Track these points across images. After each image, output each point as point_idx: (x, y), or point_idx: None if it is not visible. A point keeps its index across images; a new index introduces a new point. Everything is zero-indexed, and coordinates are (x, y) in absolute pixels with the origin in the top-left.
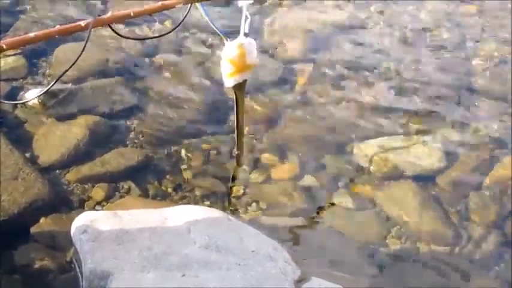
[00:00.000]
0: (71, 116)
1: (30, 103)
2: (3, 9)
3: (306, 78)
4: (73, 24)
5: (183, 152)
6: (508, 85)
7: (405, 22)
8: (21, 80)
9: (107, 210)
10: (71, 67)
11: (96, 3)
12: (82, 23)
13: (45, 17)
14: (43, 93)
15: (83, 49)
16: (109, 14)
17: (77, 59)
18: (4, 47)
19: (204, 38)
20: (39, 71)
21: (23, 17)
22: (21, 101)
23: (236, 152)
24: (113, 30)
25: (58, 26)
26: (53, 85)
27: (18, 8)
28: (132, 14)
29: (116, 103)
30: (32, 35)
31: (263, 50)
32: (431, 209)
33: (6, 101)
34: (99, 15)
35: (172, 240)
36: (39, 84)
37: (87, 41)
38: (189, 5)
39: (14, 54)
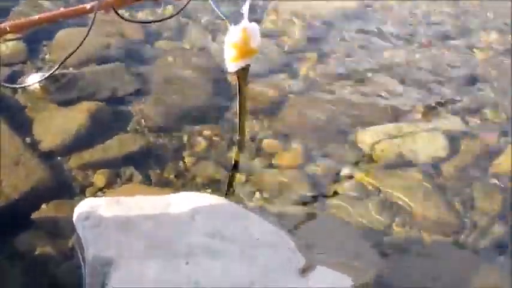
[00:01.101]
0: (72, 102)
1: (31, 88)
2: None
3: (310, 65)
4: (78, 7)
5: (185, 138)
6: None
7: (409, 12)
8: (21, 64)
9: (109, 197)
10: (75, 51)
11: None
12: (87, 6)
13: (45, 2)
14: (46, 77)
15: (88, 32)
16: None
17: (81, 43)
18: (8, 29)
19: (206, 23)
20: (40, 56)
21: (23, 2)
22: (22, 85)
23: (238, 138)
24: (117, 13)
25: (62, 9)
26: (56, 70)
27: None
28: None
29: (118, 89)
30: (36, 17)
31: (266, 36)
32: (436, 198)
33: (7, 85)
34: None
35: (176, 228)
36: (40, 69)
37: (92, 24)
38: None
39: (14, 39)
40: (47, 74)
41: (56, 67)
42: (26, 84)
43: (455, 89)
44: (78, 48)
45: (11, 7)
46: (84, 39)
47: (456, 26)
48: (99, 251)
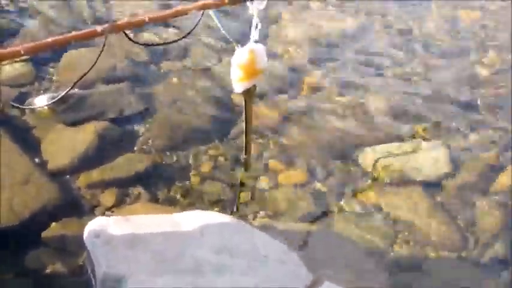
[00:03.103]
0: (80, 122)
1: (39, 108)
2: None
3: (313, 84)
4: (89, 30)
5: (191, 158)
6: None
7: (410, 30)
8: (28, 85)
9: (119, 216)
10: (86, 74)
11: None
12: (98, 29)
13: (52, 23)
14: (57, 99)
15: (99, 55)
16: (125, 20)
17: (92, 66)
18: (22, 52)
19: (211, 44)
20: (47, 77)
21: (31, 22)
22: (32, 107)
23: (244, 157)
24: (127, 36)
25: (74, 32)
26: (67, 92)
27: (25, 14)
28: (147, 19)
29: (124, 109)
30: (49, 40)
31: (270, 57)
32: (438, 215)
33: (18, 105)
34: (115, 21)
35: (184, 245)
36: (47, 90)
37: (103, 47)
38: (202, 11)
39: (22, 60)
40: (57, 97)
41: (66, 90)
42: (35, 106)
43: (457, 107)
44: (89, 71)
45: (20, 27)
46: (95, 62)
47: (457, 42)
48: (109, 267)
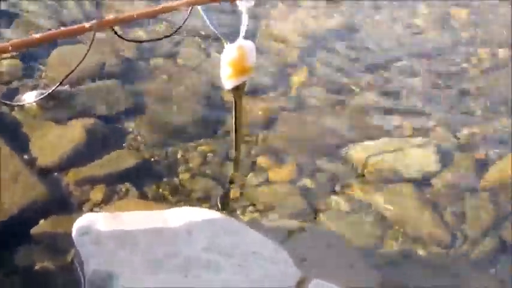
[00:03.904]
0: (68, 118)
1: (27, 105)
2: None
3: (301, 81)
4: (77, 26)
5: (180, 154)
6: (500, 88)
7: (399, 26)
8: (16, 82)
9: (107, 212)
10: (73, 70)
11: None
12: (86, 25)
13: (40, 20)
14: (44, 96)
15: (87, 52)
16: (112, 16)
17: (80, 62)
18: (10, 48)
19: (199, 41)
20: (35, 73)
21: (18, 21)
22: (20, 103)
23: (234, 154)
24: (115, 32)
25: (62, 28)
26: (55, 89)
27: (12, 11)
28: (135, 16)
29: (113, 106)
30: (37, 36)
31: (259, 54)
32: (428, 211)
33: (5, 102)
34: (103, 17)
35: (173, 242)
36: (36, 86)
37: (91, 43)
38: (190, 7)
39: (10, 57)
40: (45, 93)
41: (54, 86)
42: (24, 102)
43: (446, 103)
44: (77, 67)
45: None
46: (83, 58)
47: (447, 39)
48: (98, 265)
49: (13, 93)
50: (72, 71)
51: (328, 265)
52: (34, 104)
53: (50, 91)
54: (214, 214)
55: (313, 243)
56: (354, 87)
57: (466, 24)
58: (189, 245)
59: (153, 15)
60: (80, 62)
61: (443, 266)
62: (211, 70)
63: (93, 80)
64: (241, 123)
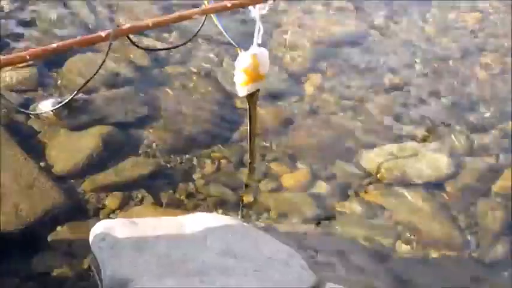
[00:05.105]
0: (84, 126)
1: (43, 114)
2: (13, 20)
3: (314, 87)
4: (94, 35)
5: (194, 160)
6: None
7: (411, 32)
8: (32, 90)
9: (123, 218)
10: (90, 79)
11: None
12: (102, 34)
13: (54, 28)
14: (64, 103)
15: (104, 59)
16: (128, 25)
17: (97, 71)
18: (28, 57)
19: (213, 48)
20: (51, 82)
21: (33, 28)
22: (39, 112)
23: (249, 159)
24: (131, 41)
25: (79, 37)
26: (74, 96)
27: (27, 20)
28: (150, 24)
29: (128, 113)
30: (54, 45)
31: (272, 60)
32: (440, 216)
33: (25, 111)
34: (118, 26)
35: (189, 247)
36: (51, 95)
37: (108, 52)
38: (205, 16)
39: (26, 65)
40: (63, 102)
41: (71, 95)
42: (41, 112)
43: (458, 108)
44: (94, 75)
45: (23, 34)
46: (100, 67)
47: (458, 44)
48: (115, 271)
49: (29, 102)
50: (89, 79)
51: (342, 269)
52: (50, 112)
53: (68, 100)
54: (230, 220)
55: (326, 248)
56: (366, 93)
57: (476, 29)
58: (205, 250)
59: (168, 24)
60: (97, 71)
61: (455, 269)
62: (225, 77)
63: (108, 88)
64: (255, 129)
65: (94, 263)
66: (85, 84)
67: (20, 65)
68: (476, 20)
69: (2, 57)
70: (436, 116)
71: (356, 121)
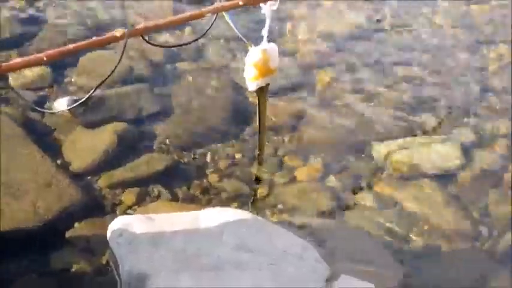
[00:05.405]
0: (99, 123)
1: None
2: (25, 19)
3: (326, 81)
4: (108, 35)
5: (208, 155)
6: None
7: (421, 24)
8: (47, 89)
9: (140, 214)
10: (106, 79)
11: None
12: (117, 34)
13: (67, 25)
14: (81, 102)
15: (120, 59)
16: (142, 25)
17: (113, 70)
18: (45, 59)
19: (224, 43)
20: (65, 80)
21: (46, 26)
22: (56, 111)
23: (258, 152)
24: (145, 40)
25: (94, 38)
26: (90, 95)
27: (39, 17)
28: (164, 23)
29: (142, 109)
30: (70, 46)
31: (282, 54)
32: (452, 206)
33: (43, 110)
34: (133, 26)
35: (205, 242)
36: (66, 93)
37: (123, 52)
38: (216, 14)
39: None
40: (80, 101)
41: (89, 93)
42: (59, 110)
43: (468, 99)
44: (110, 75)
45: (36, 32)
46: (116, 66)
47: (468, 36)
48: (133, 266)
49: (44, 100)
50: (106, 78)
51: (355, 261)
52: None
53: (85, 98)
54: (245, 214)
55: (340, 240)
56: (377, 86)
57: (485, 20)
58: (220, 245)
59: (181, 23)
60: (113, 71)
61: (467, 260)
62: (236, 72)
63: (122, 85)
64: (265, 123)
65: (112, 259)
66: (102, 83)
67: None
68: (485, 11)
69: (20, 59)
70: (446, 107)
71: (367, 114)
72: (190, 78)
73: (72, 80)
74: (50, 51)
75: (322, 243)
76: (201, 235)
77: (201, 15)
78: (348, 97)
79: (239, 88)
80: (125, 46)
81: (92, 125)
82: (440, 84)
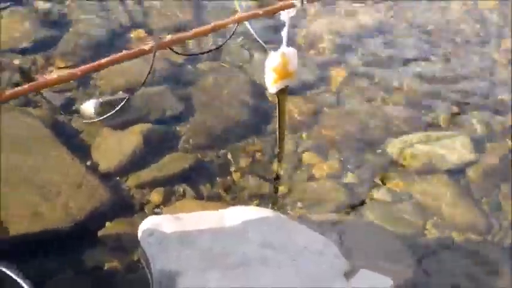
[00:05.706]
0: (126, 124)
1: (86, 114)
2: (49, 23)
3: (340, 79)
4: (138, 49)
5: (230, 154)
6: None
7: (430, 20)
8: (73, 91)
9: (169, 214)
10: (141, 87)
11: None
12: (146, 48)
13: (91, 28)
14: (115, 110)
15: (150, 70)
16: (169, 37)
17: (145, 79)
18: (79, 73)
19: (243, 43)
20: (90, 82)
21: (70, 30)
22: (89, 120)
23: (278, 153)
24: (173, 51)
25: (125, 51)
26: (123, 103)
27: (63, 21)
28: (190, 35)
29: (166, 110)
30: (103, 61)
31: (298, 52)
32: (465, 200)
33: (84, 120)
34: (161, 38)
35: (230, 240)
36: (92, 95)
37: (153, 63)
38: (237, 23)
39: (65, 67)
40: (116, 108)
41: (124, 100)
42: (96, 119)
43: (478, 94)
44: (143, 84)
45: (60, 36)
46: (147, 77)
47: (476, 31)
48: (164, 265)
49: (71, 102)
50: (142, 85)
51: (372, 255)
52: (92, 111)
53: (118, 108)
54: (267, 212)
55: (357, 235)
56: (391, 82)
57: (495, 14)
58: (245, 243)
59: (206, 33)
60: (145, 80)
61: (480, 253)
62: (255, 71)
63: (146, 86)
64: (285, 123)
65: (143, 257)
66: (133, 93)
67: (60, 66)
68: (495, 5)
69: (55, 75)
70: (458, 102)
71: (381, 111)
72: (210, 78)
73: (98, 82)
74: (84, 67)
75: (340, 238)
76: (226, 234)
77: (223, 26)
78: (361, 94)
79: (258, 86)
80: (153, 58)
81: (118, 127)
82: (452, 79)
